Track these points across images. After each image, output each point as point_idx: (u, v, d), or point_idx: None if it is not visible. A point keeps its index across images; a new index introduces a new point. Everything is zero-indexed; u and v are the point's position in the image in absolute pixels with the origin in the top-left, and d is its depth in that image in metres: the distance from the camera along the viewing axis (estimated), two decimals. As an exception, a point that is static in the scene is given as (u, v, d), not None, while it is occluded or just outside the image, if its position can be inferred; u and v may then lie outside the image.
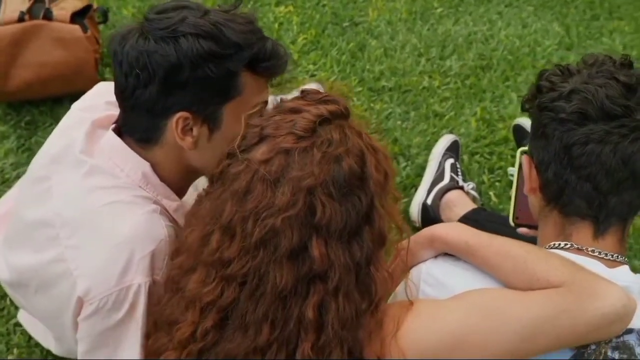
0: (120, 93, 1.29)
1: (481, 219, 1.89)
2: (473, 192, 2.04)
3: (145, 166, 1.31)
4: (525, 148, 1.67)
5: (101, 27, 2.44)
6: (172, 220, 1.33)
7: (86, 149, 1.33)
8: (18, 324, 1.79)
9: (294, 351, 1.07)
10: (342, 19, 2.67)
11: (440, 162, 2.07)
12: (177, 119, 1.25)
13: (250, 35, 1.27)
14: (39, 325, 1.61)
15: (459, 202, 1.97)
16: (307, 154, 1.06)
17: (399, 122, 2.32)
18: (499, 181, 2.17)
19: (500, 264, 1.13)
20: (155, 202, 1.31)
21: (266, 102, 1.34)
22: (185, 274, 1.14)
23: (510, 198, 2.11)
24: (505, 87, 2.43)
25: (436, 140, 2.21)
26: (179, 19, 1.24)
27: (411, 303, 1.12)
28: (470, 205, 1.96)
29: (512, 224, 1.47)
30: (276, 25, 2.65)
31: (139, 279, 1.22)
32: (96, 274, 1.24)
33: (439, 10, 2.69)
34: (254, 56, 1.26)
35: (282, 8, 2.71)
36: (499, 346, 1.07)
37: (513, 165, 2.19)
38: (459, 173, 2.06)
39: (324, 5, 2.72)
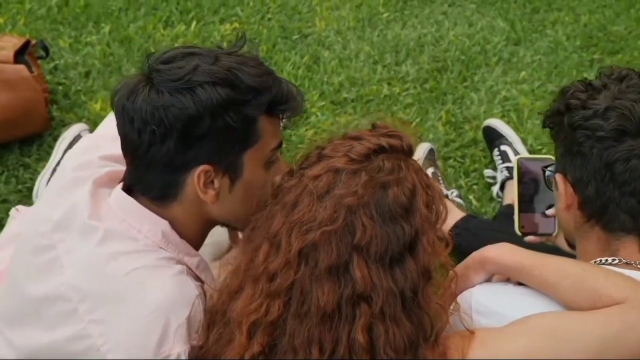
0: (132, 151, 1.19)
1: (473, 227, 1.89)
2: (458, 199, 2.04)
3: (164, 225, 1.22)
4: (523, 155, 1.67)
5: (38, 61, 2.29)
6: (197, 278, 1.26)
7: (94, 213, 1.23)
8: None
9: None
10: (290, 31, 2.61)
11: (421, 173, 2.05)
12: (199, 173, 1.18)
13: (266, 78, 1.21)
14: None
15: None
16: (355, 176, 1.09)
17: (367, 134, 2.29)
18: (476, 184, 2.19)
19: (559, 283, 1.13)
20: (179, 262, 1.23)
21: (281, 143, 1.29)
22: (234, 296, 1.13)
23: (491, 199, 2.14)
24: (464, 88, 2.45)
25: (408, 149, 2.20)
26: (191, 68, 1.16)
27: (472, 332, 1.11)
28: (458, 214, 1.96)
29: (518, 233, 1.48)
30: (225, 44, 2.55)
31: (177, 349, 1.14)
32: (130, 347, 1.15)
33: (385, 15, 2.68)
34: (272, 100, 1.20)
35: (227, 25, 2.63)
36: None
37: (487, 167, 2.22)
38: (441, 181, 2.06)
39: (269, 19, 2.66)
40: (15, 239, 1.51)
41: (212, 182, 1.21)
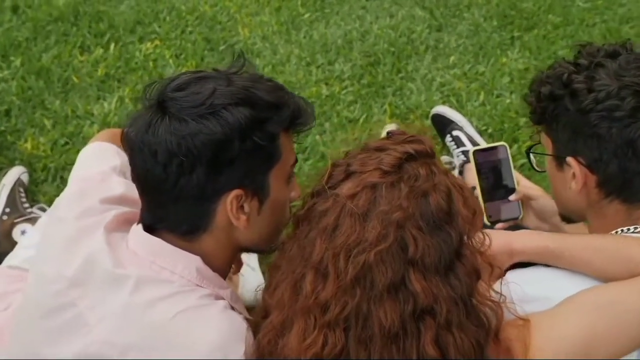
0: (156, 186, 1.11)
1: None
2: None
3: (198, 261, 1.15)
4: (476, 147, 1.67)
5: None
6: (235, 309, 1.19)
7: (117, 261, 1.14)
8: None
9: None
10: (216, 43, 2.54)
11: (385, 168, 2.06)
12: (231, 198, 1.12)
13: (281, 93, 1.17)
14: None
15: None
16: (395, 188, 1.06)
17: (317, 137, 2.28)
18: (434, 172, 2.21)
19: (592, 259, 1.16)
20: (217, 297, 1.16)
21: (296, 160, 1.25)
22: (281, 333, 1.08)
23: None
24: (400, 79, 2.47)
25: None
26: (209, 92, 1.10)
27: (527, 320, 1.12)
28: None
29: (487, 222, 1.52)
30: (150, 63, 2.45)
31: (241, 387, 1.08)
32: (189, 395, 1.07)
33: (306, 15, 2.66)
34: (291, 114, 1.16)
35: (148, 44, 2.52)
36: (627, 335, 1.10)
37: (441, 153, 2.25)
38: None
39: (190, 32, 2.57)
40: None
41: (242, 206, 1.15)
